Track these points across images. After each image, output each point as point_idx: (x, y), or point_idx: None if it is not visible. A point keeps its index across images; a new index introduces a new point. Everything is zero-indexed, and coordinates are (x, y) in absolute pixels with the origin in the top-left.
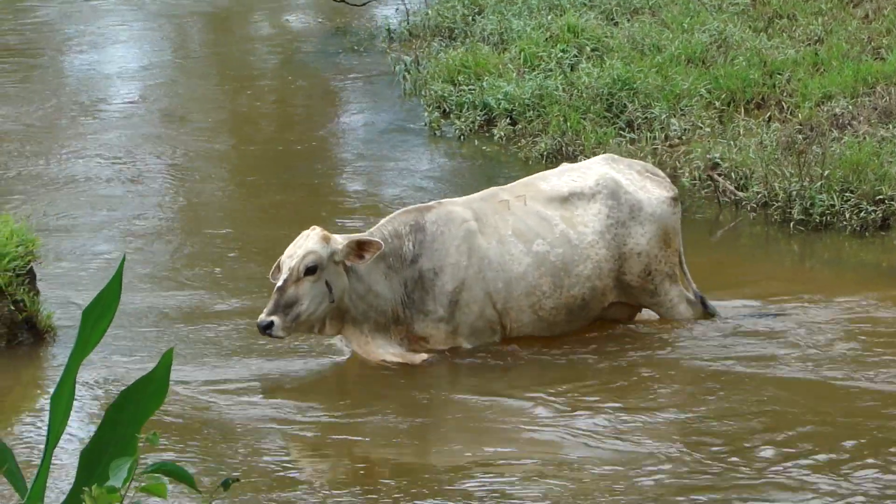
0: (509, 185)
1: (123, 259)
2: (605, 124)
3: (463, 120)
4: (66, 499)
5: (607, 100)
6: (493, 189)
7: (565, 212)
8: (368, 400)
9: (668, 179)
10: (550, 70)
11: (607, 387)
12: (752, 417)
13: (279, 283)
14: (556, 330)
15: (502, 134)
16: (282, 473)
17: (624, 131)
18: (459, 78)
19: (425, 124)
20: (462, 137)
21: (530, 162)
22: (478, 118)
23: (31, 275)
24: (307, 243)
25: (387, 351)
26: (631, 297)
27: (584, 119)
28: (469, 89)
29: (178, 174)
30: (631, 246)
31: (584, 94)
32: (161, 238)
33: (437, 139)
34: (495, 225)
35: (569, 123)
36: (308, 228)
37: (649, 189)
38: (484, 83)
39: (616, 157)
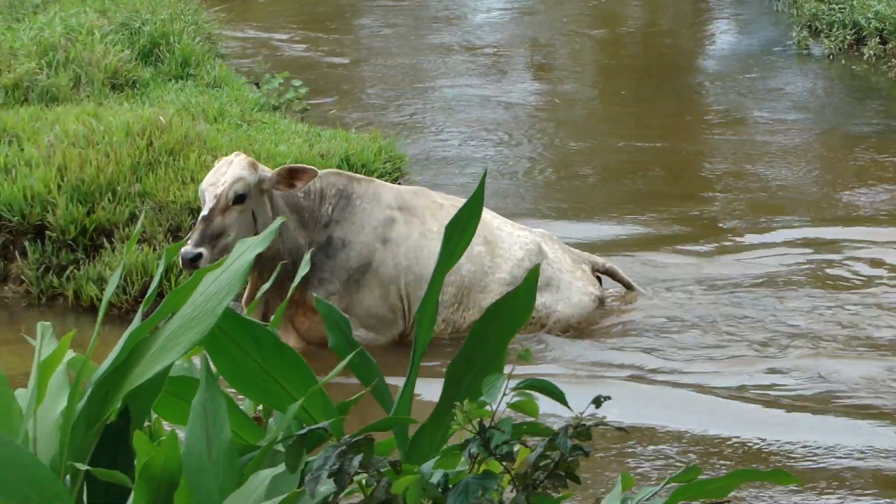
0: (445, 195)
1: (485, 173)
2: None
3: (832, 39)
4: (433, 413)
5: None
6: (425, 189)
7: (490, 236)
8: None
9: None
10: None
11: None
12: None
13: (204, 213)
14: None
15: (872, 53)
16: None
17: None
18: None
19: (794, 43)
20: (831, 57)
21: None
22: (847, 37)
23: None
24: (234, 169)
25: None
26: None
27: None
28: (839, 8)
29: (544, 97)
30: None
31: None
32: (523, 157)
33: (805, 58)
34: (422, 218)
35: None
36: (232, 154)
37: (576, 277)
38: (854, 1)
39: (553, 237)
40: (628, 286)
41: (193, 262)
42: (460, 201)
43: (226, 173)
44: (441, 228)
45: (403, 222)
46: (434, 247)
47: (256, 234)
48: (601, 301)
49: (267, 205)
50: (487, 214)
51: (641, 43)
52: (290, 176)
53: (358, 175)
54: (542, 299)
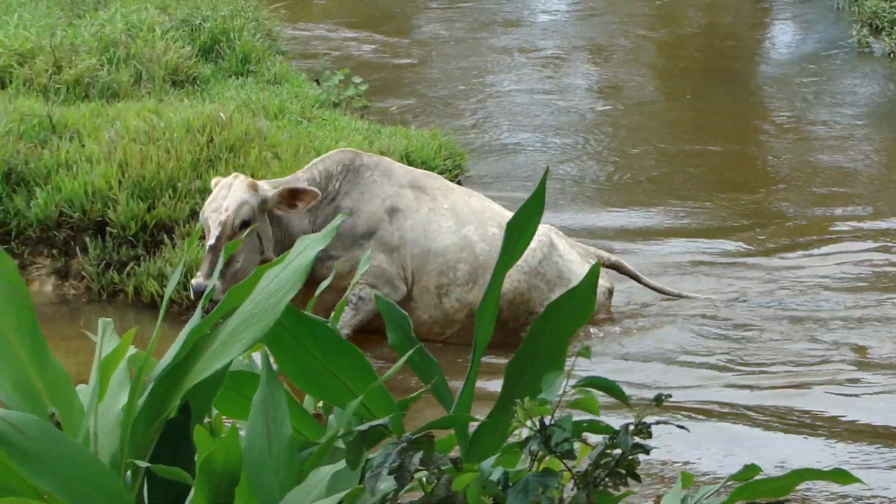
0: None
1: (547, 171)
2: None
3: (893, 37)
4: (492, 410)
5: None
6: (437, 175)
7: (504, 222)
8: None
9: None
10: None
11: None
12: None
13: (211, 242)
14: (448, 330)
15: None
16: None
17: None
18: None
19: (854, 41)
20: (892, 55)
21: None
22: None
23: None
24: (236, 194)
25: None
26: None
27: None
28: None
29: (601, 94)
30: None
31: None
32: (584, 155)
33: (865, 56)
34: (433, 196)
35: None
36: (230, 176)
37: (586, 269)
38: None
39: (559, 231)
40: (636, 279)
41: (205, 293)
42: (474, 194)
43: (227, 198)
44: (452, 207)
45: (413, 197)
46: (444, 222)
47: (262, 253)
48: (610, 293)
49: (268, 223)
50: (499, 206)
51: (704, 44)
52: (292, 196)
53: (368, 152)
54: (554, 294)
